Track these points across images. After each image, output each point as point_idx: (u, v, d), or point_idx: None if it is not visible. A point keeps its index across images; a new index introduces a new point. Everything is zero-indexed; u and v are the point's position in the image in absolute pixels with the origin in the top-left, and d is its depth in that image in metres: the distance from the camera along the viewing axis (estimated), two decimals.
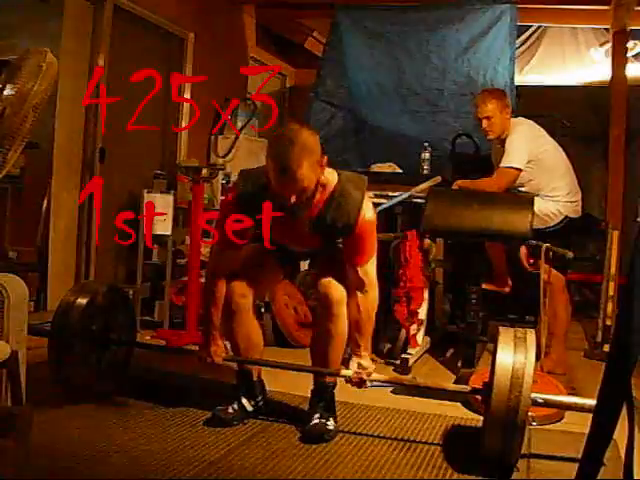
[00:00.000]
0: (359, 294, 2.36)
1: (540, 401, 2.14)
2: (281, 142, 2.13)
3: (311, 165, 2.11)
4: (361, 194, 2.28)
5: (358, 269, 2.34)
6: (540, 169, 3.44)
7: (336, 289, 2.37)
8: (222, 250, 2.44)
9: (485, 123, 3.51)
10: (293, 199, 2.13)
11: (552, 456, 2.29)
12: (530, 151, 3.42)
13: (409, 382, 2.83)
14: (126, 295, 2.89)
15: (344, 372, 2.41)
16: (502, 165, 3.42)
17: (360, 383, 2.40)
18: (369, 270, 2.36)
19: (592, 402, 2.09)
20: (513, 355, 2.06)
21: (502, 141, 3.52)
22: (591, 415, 1.20)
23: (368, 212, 2.29)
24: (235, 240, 2.36)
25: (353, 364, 2.40)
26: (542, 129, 3.57)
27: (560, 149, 3.58)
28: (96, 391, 2.61)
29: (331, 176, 2.28)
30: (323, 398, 2.46)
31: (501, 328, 2.23)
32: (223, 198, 2.46)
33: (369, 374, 2.39)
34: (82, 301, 2.57)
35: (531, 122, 3.60)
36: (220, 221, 2.40)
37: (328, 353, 2.45)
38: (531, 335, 2.14)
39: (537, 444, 2.40)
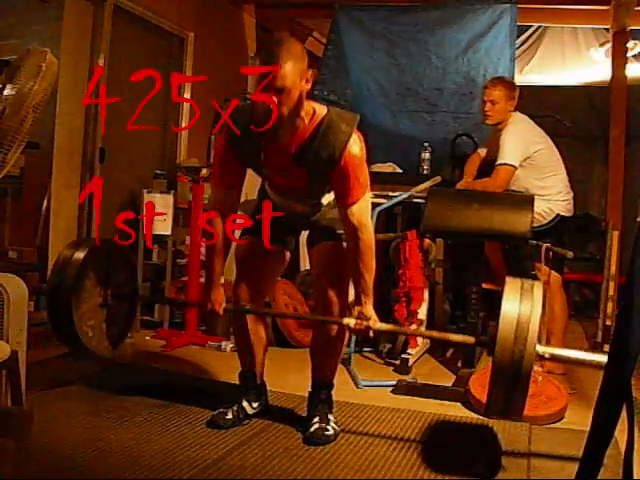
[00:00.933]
0: (354, 238, 2.25)
1: (547, 356, 2.06)
2: (267, 44, 2.13)
3: (295, 68, 2.05)
4: (350, 129, 2.18)
5: (348, 210, 2.23)
6: (532, 167, 3.46)
7: (333, 289, 2.37)
8: (220, 192, 2.39)
9: (488, 106, 3.54)
10: (275, 100, 2.04)
11: (552, 455, 2.30)
12: (525, 149, 3.44)
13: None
14: (124, 250, 2.77)
15: (346, 321, 2.31)
16: (498, 163, 3.44)
17: (363, 331, 2.30)
18: (359, 211, 2.24)
19: (601, 357, 2.06)
20: (519, 305, 1.97)
21: (499, 132, 3.55)
22: (591, 414, 1.20)
23: (355, 146, 2.18)
24: (231, 179, 2.34)
25: (354, 312, 2.31)
26: (537, 127, 3.60)
27: (554, 147, 3.60)
28: (97, 349, 2.55)
29: (320, 108, 2.22)
30: (321, 399, 2.46)
31: (508, 278, 2.12)
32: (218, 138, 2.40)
33: (372, 322, 2.28)
34: (79, 256, 2.45)
35: (528, 119, 3.62)
36: (216, 162, 2.37)
37: (328, 355, 2.45)
38: (538, 286, 2.05)
39: (537, 443, 2.41)
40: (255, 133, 2.17)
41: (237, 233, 2.56)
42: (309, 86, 2.15)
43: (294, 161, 2.23)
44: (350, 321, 2.30)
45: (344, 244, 2.40)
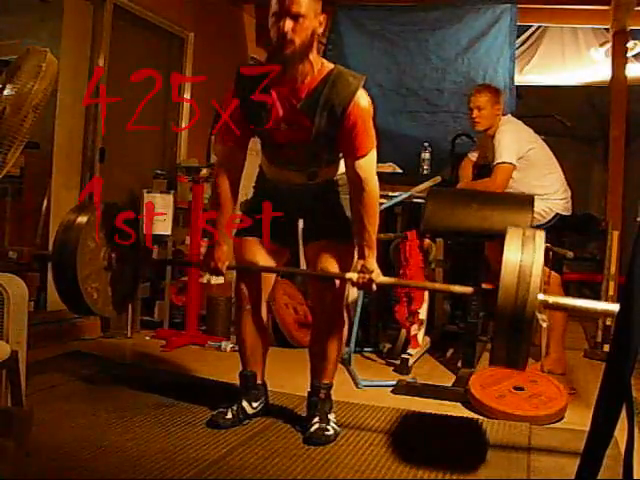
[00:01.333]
0: (358, 192, 2.25)
1: (550, 302, 2.03)
2: None
3: (311, 3, 2.14)
4: (358, 83, 2.21)
5: (356, 163, 2.22)
6: (528, 167, 3.47)
7: (330, 286, 2.36)
8: (225, 149, 2.40)
9: (475, 113, 3.58)
10: (288, 26, 2.11)
11: (552, 455, 2.29)
12: (519, 148, 3.46)
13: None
14: (129, 214, 2.73)
15: (349, 275, 2.30)
16: (495, 163, 3.45)
17: (365, 285, 2.28)
18: (367, 164, 2.24)
19: (605, 305, 2.04)
20: (521, 253, 1.96)
21: (490, 137, 3.58)
22: (591, 414, 1.20)
23: (363, 99, 2.21)
24: (237, 138, 2.34)
25: (358, 266, 2.29)
26: (529, 128, 3.63)
27: (547, 147, 3.63)
28: (102, 311, 2.56)
29: (328, 63, 2.27)
30: (320, 399, 2.45)
31: (509, 227, 2.11)
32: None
33: (375, 275, 2.26)
34: (82, 219, 2.44)
35: (518, 121, 3.68)
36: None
37: (327, 353, 2.45)
38: (540, 234, 2.04)
39: (537, 443, 2.41)
40: (262, 77, 2.22)
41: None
42: (321, 29, 2.21)
43: (301, 110, 2.22)
44: (353, 275, 2.29)
45: (342, 245, 2.38)
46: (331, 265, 2.36)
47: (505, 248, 1.99)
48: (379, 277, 2.28)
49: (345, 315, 2.47)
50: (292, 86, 2.23)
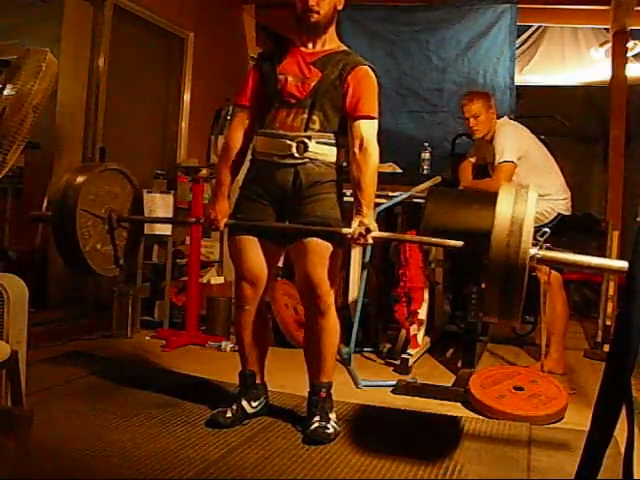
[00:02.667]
0: (358, 151, 2.34)
1: (539, 256, 2.04)
2: None
3: None
4: (366, 62, 2.43)
5: (356, 122, 2.35)
6: (528, 167, 3.48)
7: (321, 281, 2.35)
8: (240, 108, 2.53)
9: (472, 122, 3.60)
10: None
11: (552, 455, 2.29)
12: (519, 146, 3.47)
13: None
14: (128, 175, 2.79)
15: (345, 230, 2.33)
16: (497, 162, 3.45)
17: (361, 239, 2.31)
18: (367, 126, 2.36)
19: (597, 260, 2.04)
20: (512, 206, 1.98)
21: (489, 141, 3.59)
22: (591, 414, 1.20)
23: (370, 71, 2.42)
24: (252, 99, 2.48)
25: (355, 222, 2.32)
26: (526, 128, 3.64)
27: (544, 147, 3.64)
28: (103, 270, 2.57)
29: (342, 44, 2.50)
30: (321, 398, 2.45)
31: (502, 184, 2.16)
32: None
33: (369, 231, 2.29)
34: (81, 179, 2.46)
35: (515, 122, 3.70)
36: (245, 81, 2.53)
37: (322, 352, 2.45)
38: (532, 191, 2.06)
39: (537, 443, 2.41)
40: (284, 43, 2.48)
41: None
42: (341, 6, 2.49)
43: (314, 65, 2.40)
44: (349, 230, 2.33)
45: (329, 244, 2.36)
46: (317, 269, 2.34)
47: (497, 202, 2.00)
48: (375, 232, 2.32)
49: (335, 313, 2.46)
50: (312, 50, 2.43)
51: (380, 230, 2.38)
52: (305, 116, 2.37)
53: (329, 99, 2.37)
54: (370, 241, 2.32)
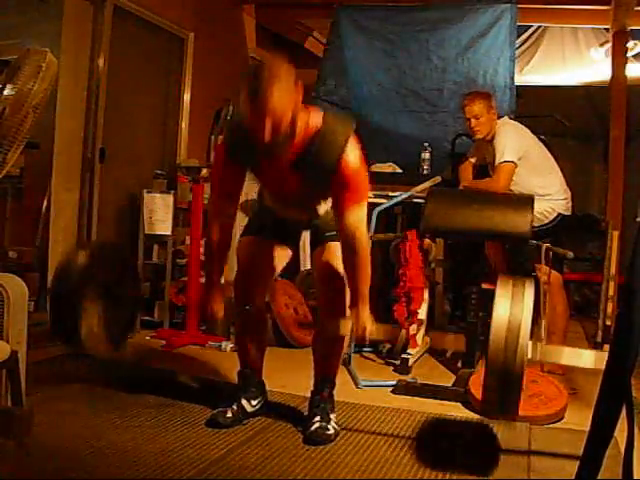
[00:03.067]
0: (349, 246, 2.26)
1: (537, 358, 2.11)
2: (250, 72, 2.10)
3: (282, 93, 2.02)
4: (346, 136, 2.18)
5: (346, 214, 2.22)
6: (528, 167, 3.48)
7: (338, 266, 2.38)
8: (218, 201, 2.42)
9: (473, 122, 3.59)
10: (267, 134, 2.03)
11: (552, 455, 2.30)
12: (519, 146, 3.48)
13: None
14: (127, 252, 2.80)
15: (343, 332, 2.35)
16: (497, 162, 3.45)
17: (359, 339, 2.31)
18: (355, 216, 2.22)
19: (595, 354, 2.08)
20: (510, 303, 2.01)
21: (489, 142, 3.59)
22: (591, 414, 1.20)
23: (352, 155, 2.18)
24: (230, 187, 2.38)
25: (350, 319, 2.31)
26: (526, 129, 3.64)
27: (544, 148, 3.64)
28: (98, 350, 2.56)
29: (315, 117, 2.20)
30: (324, 398, 2.46)
31: (500, 276, 2.16)
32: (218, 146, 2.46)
33: (367, 329, 2.27)
34: (83, 258, 2.48)
35: (515, 122, 3.70)
36: (214, 171, 2.45)
37: (331, 351, 2.47)
38: (530, 283, 2.08)
39: (537, 443, 2.41)
40: (252, 146, 2.16)
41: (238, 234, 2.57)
42: (300, 96, 2.12)
43: (292, 168, 2.24)
44: (347, 328, 2.33)
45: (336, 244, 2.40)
46: (335, 261, 2.39)
47: (495, 300, 2.05)
48: (371, 327, 2.28)
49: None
50: (282, 155, 2.19)
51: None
52: (304, 209, 2.42)
53: (321, 191, 2.34)
54: (367, 339, 2.31)
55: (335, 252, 2.40)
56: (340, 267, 2.39)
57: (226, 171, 2.36)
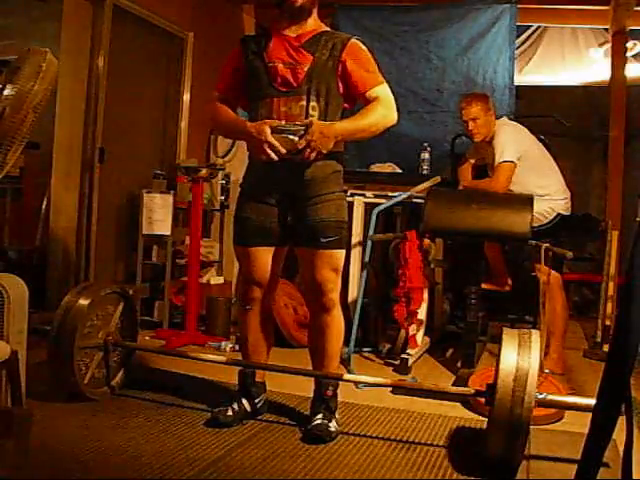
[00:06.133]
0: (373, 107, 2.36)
1: (543, 400, 2.14)
2: None
3: None
4: (355, 37, 2.45)
5: (371, 92, 2.37)
6: (527, 167, 3.48)
7: (326, 281, 2.37)
8: (220, 96, 2.48)
9: (472, 125, 3.59)
10: None
11: (552, 456, 2.29)
12: (518, 146, 3.48)
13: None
14: (129, 296, 2.82)
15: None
16: (497, 162, 3.45)
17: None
18: (382, 90, 2.40)
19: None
20: (517, 356, 2.05)
21: (488, 142, 3.59)
22: (591, 415, 1.20)
23: (361, 44, 2.44)
24: (228, 89, 2.47)
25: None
26: (525, 128, 3.64)
27: (544, 148, 3.65)
28: (93, 393, 2.60)
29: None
30: (328, 397, 2.46)
31: (505, 329, 2.21)
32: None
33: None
34: (83, 303, 2.54)
35: (514, 122, 3.71)
36: (226, 68, 2.49)
37: (327, 349, 2.46)
38: (536, 335, 2.12)
39: (537, 444, 2.41)
40: (266, 32, 2.41)
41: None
42: None
43: (303, 47, 2.36)
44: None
45: (332, 251, 2.38)
46: (322, 272, 2.38)
47: (501, 351, 2.09)
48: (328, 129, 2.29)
49: (340, 311, 2.49)
50: (297, 32, 2.37)
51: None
52: (303, 103, 2.33)
53: (325, 85, 2.33)
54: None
55: (324, 261, 2.37)
56: (330, 275, 2.38)
57: (232, 70, 2.45)
